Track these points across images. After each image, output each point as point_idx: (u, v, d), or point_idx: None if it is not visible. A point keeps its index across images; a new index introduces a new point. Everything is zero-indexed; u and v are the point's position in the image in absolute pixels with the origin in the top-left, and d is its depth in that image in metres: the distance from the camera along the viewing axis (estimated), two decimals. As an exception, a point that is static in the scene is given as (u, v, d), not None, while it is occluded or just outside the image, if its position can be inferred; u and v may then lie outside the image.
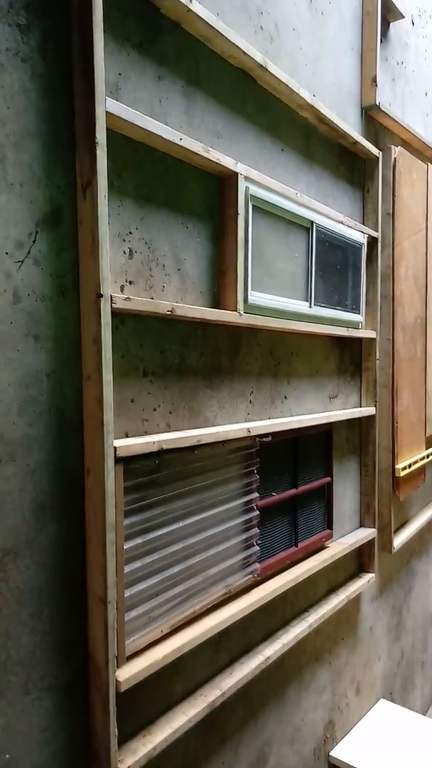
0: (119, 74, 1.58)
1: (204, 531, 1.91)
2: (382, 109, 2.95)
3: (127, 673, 1.57)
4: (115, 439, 1.59)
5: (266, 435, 2.17)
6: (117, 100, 1.57)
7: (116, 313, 1.59)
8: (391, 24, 3.18)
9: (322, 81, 2.56)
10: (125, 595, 1.60)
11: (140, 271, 1.67)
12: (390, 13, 3.08)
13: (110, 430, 1.48)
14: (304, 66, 2.42)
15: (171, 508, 1.77)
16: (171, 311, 1.66)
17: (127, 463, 1.57)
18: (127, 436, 1.65)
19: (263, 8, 2.16)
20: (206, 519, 1.92)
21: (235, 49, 1.91)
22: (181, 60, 1.78)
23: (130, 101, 1.61)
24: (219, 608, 2.00)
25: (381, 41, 3.05)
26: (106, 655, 1.51)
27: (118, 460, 1.51)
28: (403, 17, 3.11)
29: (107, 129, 1.53)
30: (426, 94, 3.73)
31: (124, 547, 1.58)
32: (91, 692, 1.55)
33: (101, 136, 1.43)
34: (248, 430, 2.01)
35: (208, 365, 1.95)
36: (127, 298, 1.52)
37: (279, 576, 2.33)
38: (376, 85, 2.86)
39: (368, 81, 2.87)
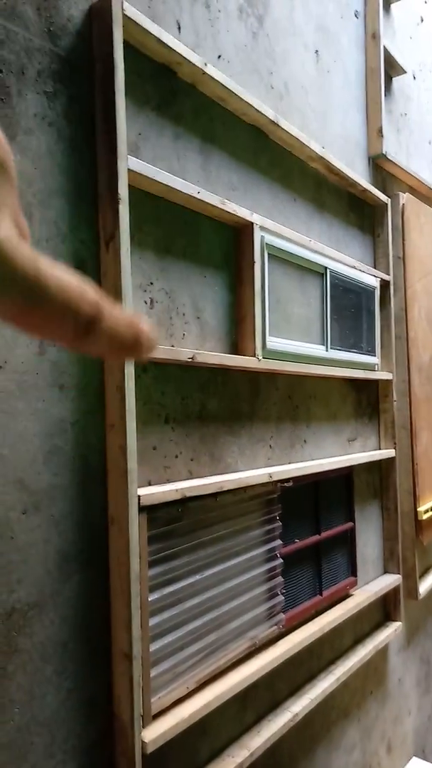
0: (139, 134, 1.65)
1: (227, 581, 1.87)
2: (389, 157, 3.03)
3: (154, 734, 1.51)
4: (139, 487, 1.59)
5: (287, 480, 2.15)
6: (137, 158, 1.63)
7: (138, 362, 1.61)
8: (393, 79, 3.31)
9: (330, 134, 2.65)
10: (150, 650, 1.56)
11: (161, 320, 1.70)
12: (392, 69, 3.21)
13: (134, 479, 1.47)
14: (313, 120, 2.51)
15: (194, 558, 1.74)
16: (192, 358, 1.68)
17: (151, 511, 1.56)
18: (150, 484, 1.64)
19: (273, 69, 2.26)
20: (229, 569, 1.88)
21: (248, 108, 1.99)
22: (197, 119, 1.85)
23: (149, 159, 1.68)
24: (244, 662, 1.94)
25: (385, 95, 3.16)
26: (132, 714, 1.46)
27: (141, 508, 1.50)
28: (405, 72, 3.24)
29: (129, 185, 1.58)
30: (430, 143, 3.84)
31: (149, 599, 1.55)
32: (116, 754, 1.49)
33: (123, 192, 1.48)
34: (270, 476, 2.00)
35: (227, 411, 1.95)
36: (150, 346, 1.54)
37: (304, 626, 2.26)
38: (382, 136, 2.96)
39: (374, 132, 2.97)
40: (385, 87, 3.18)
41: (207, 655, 1.78)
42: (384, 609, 2.96)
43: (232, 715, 1.93)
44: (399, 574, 2.97)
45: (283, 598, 2.13)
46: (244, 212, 1.93)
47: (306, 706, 2.17)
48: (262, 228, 2.01)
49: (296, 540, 2.27)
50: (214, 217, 1.90)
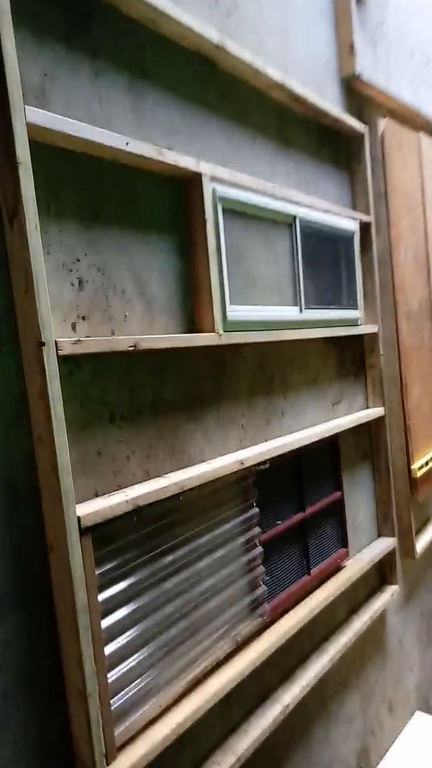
0: (44, 75, 1.33)
1: (199, 584, 1.70)
2: (363, 79, 2.66)
3: (120, 770, 1.36)
4: (81, 503, 1.37)
5: (263, 462, 1.94)
6: (45, 107, 1.32)
7: (68, 358, 1.36)
8: (366, -17, 2.87)
9: (293, 55, 2.29)
10: (109, 681, 1.39)
11: (95, 302, 1.44)
12: (364, -29, 2.77)
13: (70, 499, 1.26)
14: (270, 40, 2.15)
15: (158, 567, 1.55)
16: (134, 346, 1.43)
17: (97, 530, 1.35)
18: (97, 495, 1.43)
19: (216, -21, 1.89)
20: (202, 569, 1.70)
21: (186, 30, 1.65)
22: (121, 49, 1.52)
23: (62, 106, 1.37)
24: (227, 662, 1.80)
25: (357, 2, 2.75)
26: (92, 753, 1.31)
27: (84, 530, 1.29)
28: (379, -27, 2.80)
29: (34, 143, 1.28)
30: (412, 55, 3.42)
31: (102, 626, 1.36)
32: (81, 796, 1.35)
33: (23, 153, 1.19)
34: (241, 462, 1.79)
35: (188, 396, 1.72)
36: (77, 341, 1.29)
37: (292, 612, 2.11)
38: (355, 53, 2.58)
39: (345, 49, 2.59)
40: (357, -7, 2.76)
41: (183, 667, 1.62)
42: (380, 574, 2.83)
43: (215, 717, 1.80)
44: (394, 536, 2.82)
45: (266, 588, 1.96)
46: (187, 161, 1.63)
47: (298, 694, 2.05)
48: (212, 178, 1.71)
49: (278, 522, 2.09)
50: (153, 171, 1.60)
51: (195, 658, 1.66)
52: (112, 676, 1.41)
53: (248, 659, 1.82)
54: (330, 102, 2.52)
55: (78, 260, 1.40)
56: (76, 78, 1.40)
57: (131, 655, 1.46)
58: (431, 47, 3.68)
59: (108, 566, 1.40)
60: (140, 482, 1.55)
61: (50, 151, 1.34)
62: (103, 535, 1.38)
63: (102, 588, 1.38)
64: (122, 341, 1.40)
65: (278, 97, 2.14)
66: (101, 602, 1.37)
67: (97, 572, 1.35)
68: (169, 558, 1.59)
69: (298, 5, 2.32)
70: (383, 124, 2.81)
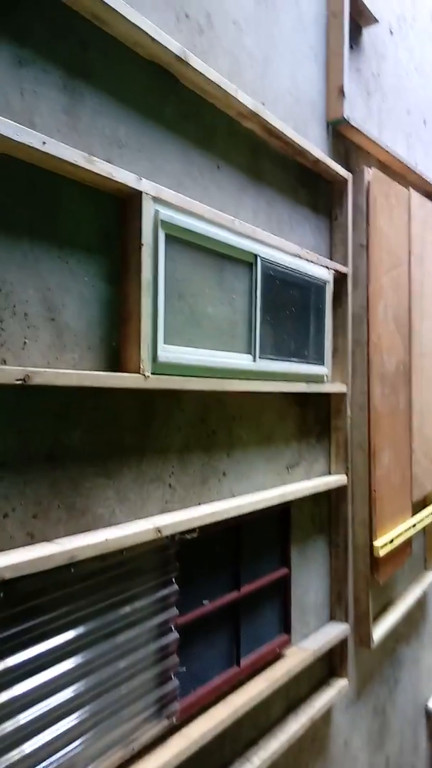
0: None
1: (89, 675, 1.39)
2: (353, 124, 2.52)
3: None
4: None
5: (191, 530, 1.66)
6: None
7: None
8: (364, 30, 2.78)
9: (274, 87, 2.13)
10: None
11: (-18, 323, 1.19)
12: (361, 17, 2.68)
13: None
14: (248, 67, 1.99)
15: (31, 655, 1.25)
16: (23, 380, 1.17)
17: None
18: None
19: (189, -8, 1.73)
20: (94, 659, 1.40)
21: (141, 35, 1.47)
22: (56, 42, 1.33)
23: (-33, 89, 1.15)
24: (116, 775, 1.47)
25: (351, 47, 2.64)
26: None
27: None
28: (377, 22, 2.71)
29: None
30: (409, 113, 3.32)
31: None
32: None
33: None
34: (158, 530, 1.51)
35: (101, 445, 1.45)
36: None
37: (211, 711, 1.79)
38: (344, 96, 2.44)
39: (334, 91, 2.45)
40: (353, 39, 2.65)
41: (49, 783, 1.30)
42: (328, 664, 2.50)
43: None
44: (347, 622, 2.51)
45: (178, 682, 1.65)
46: (125, 176, 1.41)
47: None
48: (156, 199, 1.50)
49: (204, 602, 1.79)
50: (83, 182, 1.38)
51: (69, 772, 1.34)
52: None
53: (145, 772, 1.49)
54: (313, 143, 2.36)
55: (-35, 271, 1.16)
56: (-9, 62, 1.19)
57: (-25, 771, 1.15)
58: (431, 107, 3.60)
59: None
60: (20, 546, 1.26)
61: None
62: None
63: None
64: (6, 372, 1.14)
65: (251, 128, 1.96)
66: None
67: None
68: (50, 642, 1.29)
69: (284, 38, 2.18)
70: (370, 173, 2.66)
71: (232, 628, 1.91)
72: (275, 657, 2.12)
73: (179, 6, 1.69)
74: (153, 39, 1.49)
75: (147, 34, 1.47)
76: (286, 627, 2.18)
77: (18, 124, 1.17)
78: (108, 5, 1.36)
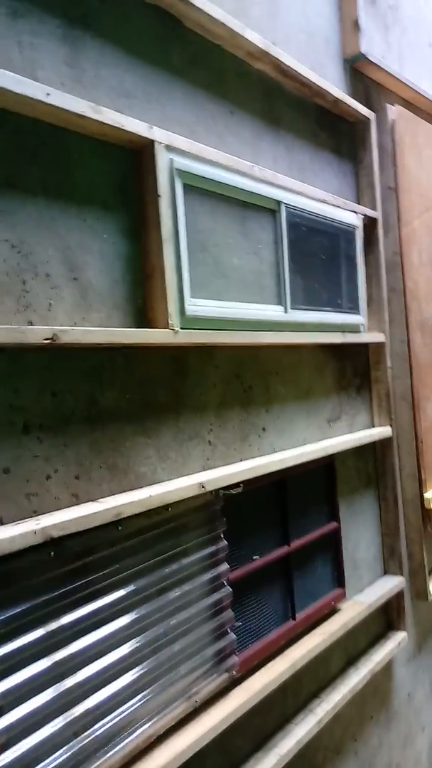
0: None
1: (146, 631, 1.40)
2: (372, 60, 2.39)
3: None
4: (-28, 533, 1.10)
5: (234, 485, 1.64)
6: None
7: (-39, 350, 1.10)
8: (376, -40, 2.62)
9: (284, 25, 2.03)
10: (2, 764, 1.10)
11: (5, 285, 1.18)
12: None
13: None
14: (255, 4, 1.90)
15: (86, 612, 1.26)
16: (52, 339, 1.16)
17: (-11, 568, 1.07)
18: (1, 522, 1.15)
19: None
20: (148, 615, 1.40)
21: (140, -24, 1.41)
22: (54, -9, 1.29)
23: (-34, 46, 1.13)
24: (181, 729, 1.48)
25: (364, -21, 2.49)
26: None
27: (-33, 568, 1.02)
28: None
29: None
30: (431, 45, 3.14)
31: (-7, 693, 1.08)
32: None
33: None
34: (201, 485, 1.49)
35: (137, 404, 1.44)
36: (-35, 327, 1.03)
37: (270, 665, 1.79)
38: (360, 30, 2.31)
39: (349, 25, 2.32)
40: (364, -31, 2.50)
41: (117, 738, 1.31)
42: (385, 618, 2.47)
43: (166, 797, 1.48)
44: (402, 575, 2.47)
45: (235, 636, 1.65)
46: (136, 125, 1.37)
47: (275, 766, 1.71)
48: (170, 148, 1.45)
49: (255, 557, 1.78)
50: (93, 135, 1.35)
51: (133, 728, 1.35)
52: (10, 756, 1.11)
53: (209, 724, 1.50)
54: (331, 82, 2.25)
55: (-17, 233, 1.15)
56: (-12, 16, 1.16)
57: (41, 725, 1.17)
58: (452, 37, 3.39)
59: (9, 613, 1.11)
60: (65, 508, 1.26)
61: None
62: (2, 573, 1.10)
63: (1, 641, 1.09)
64: (34, 332, 1.13)
65: (263, 69, 1.88)
66: (5, 656, 1.08)
67: (-12, 621, 1.06)
68: (104, 600, 1.30)
69: (291, -27, 2.08)
70: (394, 111, 2.53)
71: (285, 582, 1.90)
72: (331, 611, 2.10)
73: None
74: (152, -21, 1.43)
75: (146, -26, 1.41)
76: (339, 581, 2.15)
77: (13, 74, 1.14)
78: None
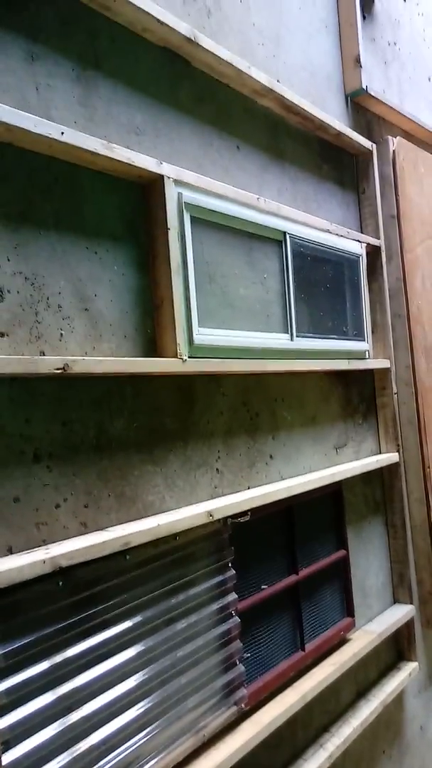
0: (-39, 52, 1.14)
1: (153, 662, 1.38)
2: (373, 94, 2.46)
3: None
4: (-18, 563, 1.10)
5: (242, 513, 1.64)
6: (-40, 87, 1.13)
7: (-26, 381, 1.12)
8: (375, -1, 2.71)
9: (287, 64, 2.10)
10: (9, 799, 1.08)
11: (18, 316, 1.20)
12: (371, -15, 2.61)
13: (-42, 558, 0.99)
14: (259, 45, 1.96)
15: (93, 644, 1.25)
16: (63, 369, 1.18)
17: (1, 597, 1.07)
18: (11, 552, 1.15)
19: (194, -26, 1.72)
20: (156, 646, 1.39)
21: (149, 19, 1.47)
22: (67, 35, 1.34)
23: (-16, 88, 1.17)
24: (190, 763, 1.46)
25: (364, 17, 2.58)
26: None
27: (-23, 599, 1.02)
28: (388, -12, 2.64)
29: None
30: (430, 80, 3.23)
31: (0, 727, 1.06)
32: None
33: None
34: (209, 514, 1.49)
35: (145, 432, 1.45)
36: (-21, 359, 1.05)
37: (279, 697, 1.76)
38: (361, 66, 2.38)
39: (350, 62, 2.39)
40: (365, 8, 2.59)
41: (123, 772, 1.29)
42: (396, 647, 2.43)
43: None
44: (412, 603, 2.44)
45: (244, 668, 1.63)
46: (145, 161, 1.41)
47: (284, 802, 1.67)
48: (178, 182, 1.49)
49: (264, 586, 1.76)
50: (104, 171, 1.39)
51: (141, 762, 1.33)
52: (17, 790, 1.10)
53: (218, 759, 1.47)
54: (333, 116, 2.31)
55: (-3, 266, 1.17)
56: (4, 59, 1.21)
57: (46, 762, 1.15)
58: (451, 71, 3.48)
59: (15, 645, 1.11)
60: (74, 537, 1.27)
61: (-36, 138, 1.14)
62: (9, 603, 1.10)
63: (4, 674, 1.08)
64: (46, 362, 1.15)
65: (268, 105, 1.93)
66: (1, 693, 1.07)
67: (1, 651, 1.06)
68: (110, 631, 1.29)
69: (293, 14, 2.15)
70: (395, 142, 2.59)
71: (294, 612, 1.88)
72: (340, 641, 2.07)
73: (185, -11, 1.68)
74: (161, 22, 1.48)
75: (155, 17, 1.47)
76: (348, 610, 2.13)
77: (31, 115, 1.18)
78: (114, -7, 1.36)
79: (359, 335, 2.24)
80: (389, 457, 2.38)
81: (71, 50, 1.34)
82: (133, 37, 1.50)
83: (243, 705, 1.61)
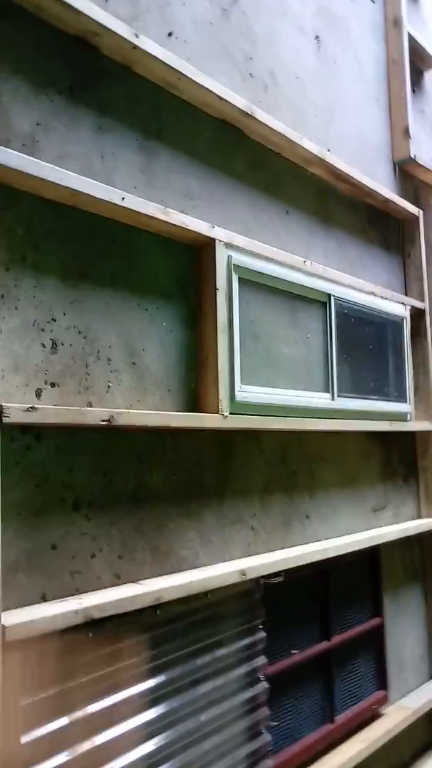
0: (37, 124, 1.24)
1: (174, 726, 1.35)
2: (420, 162, 2.52)
3: None
4: (16, 608, 1.11)
5: (275, 574, 1.62)
6: (33, 156, 1.22)
7: (24, 429, 1.16)
8: (425, 74, 2.82)
9: (338, 134, 2.18)
10: None
11: (70, 368, 1.26)
12: (422, 61, 2.72)
13: (-4, 603, 1.01)
14: (312, 117, 2.06)
15: (115, 701, 1.23)
16: (108, 420, 1.21)
17: (30, 646, 1.08)
18: (44, 599, 1.17)
19: (253, 53, 1.83)
20: (179, 708, 1.36)
21: (209, 95, 1.57)
22: (133, 109, 1.44)
23: (54, 157, 1.26)
24: None
25: (414, 91, 2.67)
26: None
27: (9, 645, 1.03)
28: (439, 64, 2.74)
29: (11, 189, 1.17)
30: None
31: (23, 781, 1.05)
32: None
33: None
34: (242, 572, 1.48)
35: (182, 486, 1.46)
36: (30, 408, 1.09)
37: (305, 773, 1.68)
38: (410, 137, 2.45)
39: (399, 133, 2.47)
40: (414, 82, 2.69)
41: None
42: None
43: None
44: (450, 681, 2.31)
45: (270, 737, 1.57)
46: (198, 225, 1.48)
47: None
48: (229, 245, 1.55)
49: (294, 651, 1.72)
50: (160, 234, 1.46)
51: None
52: None
53: None
54: (381, 184, 2.37)
55: (54, 319, 1.24)
56: (74, 131, 1.31)
57: None
58: None
59: (42, 696, 1.11)
60: (106, 587, 1.27)
61: (33, 201, 1.22)
62: (40, 653, 1.10)
63: (29, 725, 1.08)
64: (93, 413, 1.19)
65: (318, 173, 2.01)
66: (27, 745, 1.07)
67: (24, 703, 1.06)
68: (135, 689, 1.27)
69: (346, 87, 2.25)
70: (442, 209, 2.63)
71: (325, 681, 1.81)
72: (372, 715, 1.98)
73: (244, 67, 1.79)
74: (220, 98, 1.58)
75: (215, 93, 1.56)
76: (382, 683, 2.04)
77: (95, 181, 1.26)
78: (180, 72, 1.46)
79: (401, 397, 2.22)
80: (430, 522, 2.32)
81: (136, 123, 1.44)
82: (194, 111, 1.60)
83: (267, 778, 1.54)
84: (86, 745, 1.17)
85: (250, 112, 1.66)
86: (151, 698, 1.30)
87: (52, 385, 1.22)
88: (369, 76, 2.40)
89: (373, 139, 2.38)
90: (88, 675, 1.19)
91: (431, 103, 2.87)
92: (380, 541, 2.00)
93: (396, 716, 2.02)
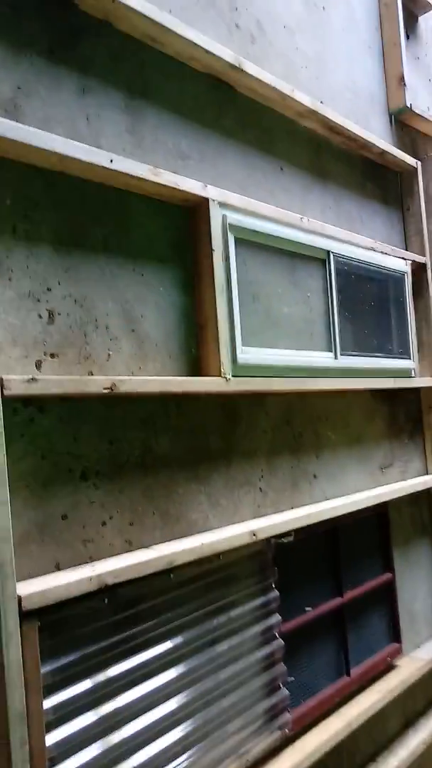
0: (18, 88, 1.20)
1: (195, 684, 1.38)
2: (417, 111, 2.44)
3: None
4: (30, 578, 1.13)
5: (286, 533, 1.63)
6: (17, 121, 1.18)
7: (26, 401, 1.15)
8: (420, 18, 2.71)
9: (331, 85, 2.11)
10: None
11: (68, 338, 1.24)
12: (415, 4, 2.61)
13: (9, 572, 1.02)
14: (302, 68, 1.99)
15: (136, 663, 1.26)
16: (111, 388, 1.21)
17: (47, 615, 1.09)
18: (58, 568, 1.18)
19: (238, 3, 1.76)
20: (198, 667, 1.39)
21: (196, 49, 1.51)
22: (117, 67, 1.39)
23: (38, 121, 1.22)
24: (231, 788, 1.44)
25: (408, 37, 2.58)
26: None
27: (27, 614, 1.04)
28: (432, 6, 2.64)
29: (-4, 156, 1.14)
30: None
31: (48, 743, 1.08)
32: None
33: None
34: (253, 533, 1.49)
35: (189, 451, 1.46)
36: (31, 379, 1.08)
37: (324, 723, 1.72)
38: (405, 85, 2.38)
39: (394, 81, 2.39)
40: (409, 28, 2.60)
41: (166, 793, 1.29)
42: (445, 676, 2.35)
43: None
44: (462, 630, 2.35)
45: (288, 692, 1.60)
46: (191, 184, 1.44)
47: None
48: (223, 204, 1.52)
49: (307, 609, 1.74)
50: (150, 196, 1.42)
51: (185, 783, 1.33)
52: (62, 806, 1.11)
53: (260, 786, 1.45)
54: (377, 135, 2.30)
55: (49, 289, 1.22)
56: (57, 93, 1.27)
57: (93, 777, 1.16)
58: None
59: (62, 662, 1.13)
60: (119, 554, 1.28)
61: (19, 168, 1.19)
62: (57, 621, 1.12)
63: (50, 691, 1.10)
64: (95, 382, 1.18)
65: (311, 127, 1.95)
66: (48, 710, 1.09)
67: (44, 670, 1.08)
68: (153, 651, 1.30)
69: (336, 37, 2.17)
70: (440, 159, 2.56)
71: (339, 636, 1.84)
72: (387, 667, 2.02)
73: (230, 18, 1.73)
74: (207, 51, 1.52)
75: (201, 47, 1.51)
76: (395, 636, 2.07)
77: (83, 144, 1.23)
78: (163, 26, 1.41)
79: (405, 353, 2.21)
80: (437, 478, 2.32)
81: (120, 82, 1.39)
82: (180, 66, 1.54)
83: (287, 730, 1.58)
84: (109, 707, 1.19)
85: (238, 65, 1.60)
86: (170, 659, 1.33)
87: (52, 356, 1.21)
88: (360, 23, 2.31)
89: (367, 89, 2.31)
90: (107, 640, 1.21)
91: (426, 49, 2.78)
92: (388, 498, 2.01)
93: (410, 667, 2.06)
